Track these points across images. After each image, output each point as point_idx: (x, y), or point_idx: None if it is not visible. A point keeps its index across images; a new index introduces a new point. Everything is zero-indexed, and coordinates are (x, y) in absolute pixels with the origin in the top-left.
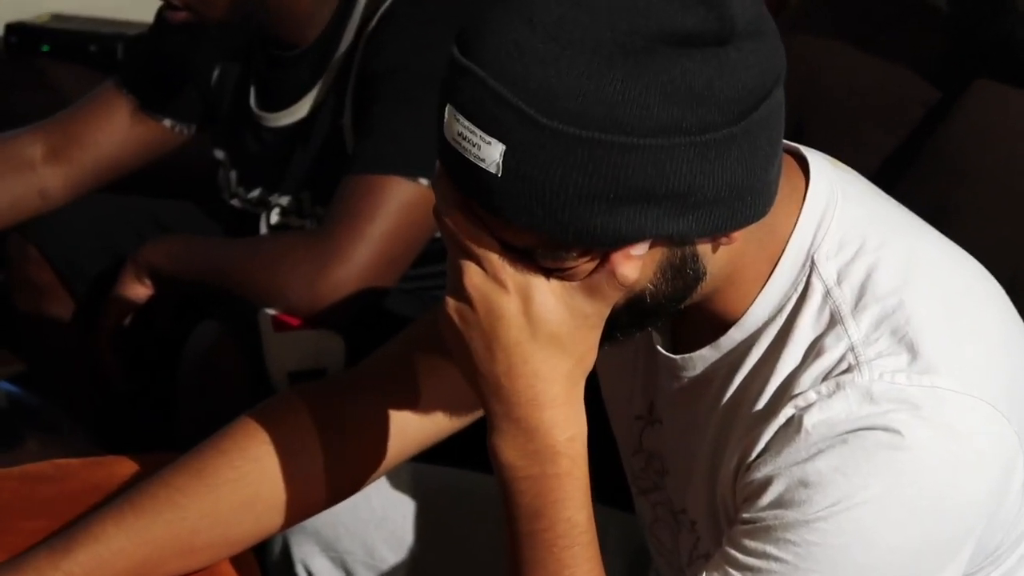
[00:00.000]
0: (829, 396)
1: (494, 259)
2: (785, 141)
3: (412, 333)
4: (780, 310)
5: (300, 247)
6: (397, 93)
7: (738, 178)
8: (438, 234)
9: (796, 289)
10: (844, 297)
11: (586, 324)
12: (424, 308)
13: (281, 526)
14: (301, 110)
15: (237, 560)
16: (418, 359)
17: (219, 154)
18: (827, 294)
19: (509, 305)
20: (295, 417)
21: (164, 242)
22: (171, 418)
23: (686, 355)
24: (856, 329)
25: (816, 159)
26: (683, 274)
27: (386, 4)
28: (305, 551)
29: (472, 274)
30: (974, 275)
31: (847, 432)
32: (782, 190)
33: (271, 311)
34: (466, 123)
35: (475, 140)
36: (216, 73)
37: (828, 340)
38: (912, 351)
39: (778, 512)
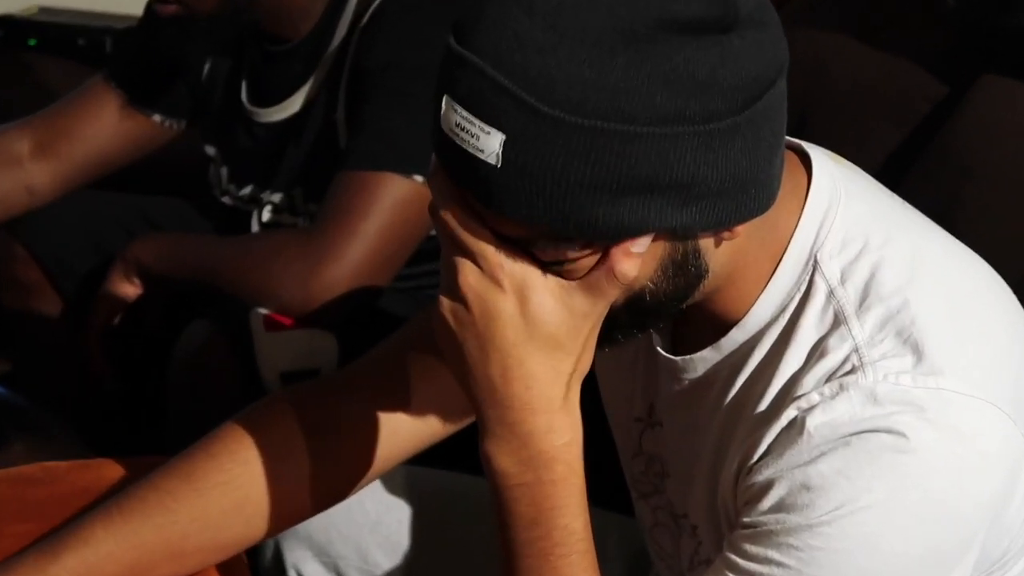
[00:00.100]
0: (832, 397)
1: (491, 256)
2: (786, 137)
3: (406, 333)
4: (783, 310)
5: (292, 245)
6: (390, 88)
7: (742, 169)
8: (433, 232)
9: (799, 289)
10: (848, 297)
11: (584, 324)
12: (418, 307)
13: (273, 530)
14: (293, 105)
15: (228, 565)
16: (412, 359)
17: (210, 150)
18: (831, 294)
19: (506, 305)
20: (287, 419)
21: (154, 240)
22: (161, 419)
23: (687, 356)
24: (860, 330)
25: (818, 155)
26: (685, 271)
27: None
28: (297, 556)
29: (467, 273)
30: (980, 274)
31: (850, 434)
32: (784, 186)
33: (263, 310)
34: (464, 113)
35: (473, 131)
36: (207, 67)
37: (832, 341)
38: (917, 352)
39: (780, 516)
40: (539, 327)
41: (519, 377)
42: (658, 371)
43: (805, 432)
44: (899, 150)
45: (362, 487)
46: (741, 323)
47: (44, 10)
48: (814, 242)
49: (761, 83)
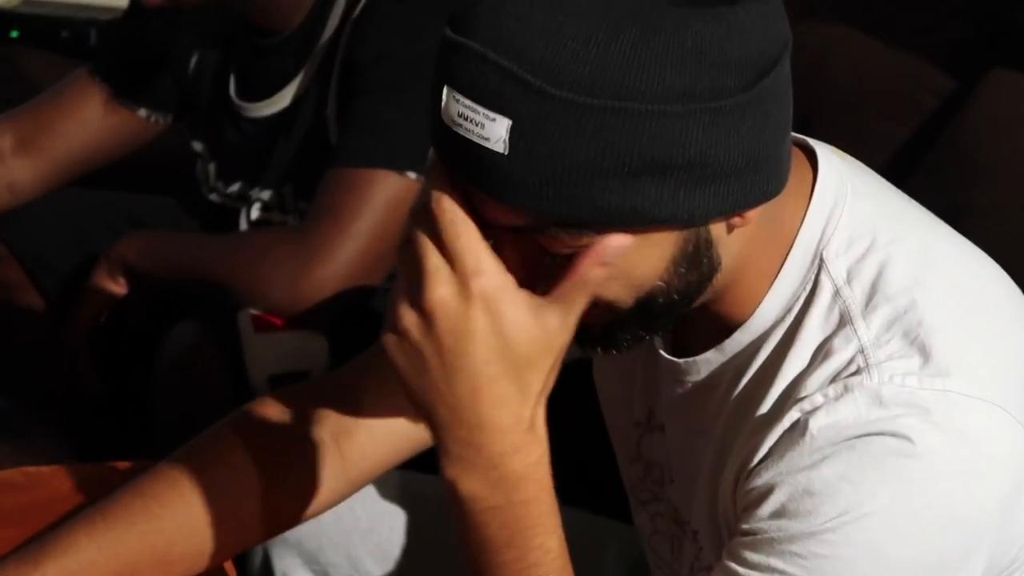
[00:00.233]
0: (836, 399)
1: (469, 263)
2: (792, 134)
3: None
4: (788, 310)
5: (282, 244)
6: (383, 82)
7: (753, 148)
8: None
9: (804, 288)
10: (854, 297)
11: (556, 341)
12: None
13: (261, 537)
14: (283, 100)
15: (216, 573)
16: None
17: (197, 146)
18: (836, 293)
19: (478, 320)
20: (277, 422)
21: (139, 238)
22: (146, 423)
23: (689, 359)
24: (866, 330)
25: (824, 151)
26: (698, 264)
27: None
28: (287, 563)
29: (437, 285)
30: (989, 273)
31: (854, 437)
32: (789, 182)
33: (251, 311)
34: (467, 102)
35: (478, 119)
36: (194, 60)
37: (837, 341)
38: (924, 353)
39: (781, 523)
40: (512, 345)
41: (489, 396)
42: (659, 374)
43: (807, 435)
44: (906, 147)
45: (354, 492)
46: (746, 324)
47: (27, 1)
48: (820, 239)
49: (767, 59)
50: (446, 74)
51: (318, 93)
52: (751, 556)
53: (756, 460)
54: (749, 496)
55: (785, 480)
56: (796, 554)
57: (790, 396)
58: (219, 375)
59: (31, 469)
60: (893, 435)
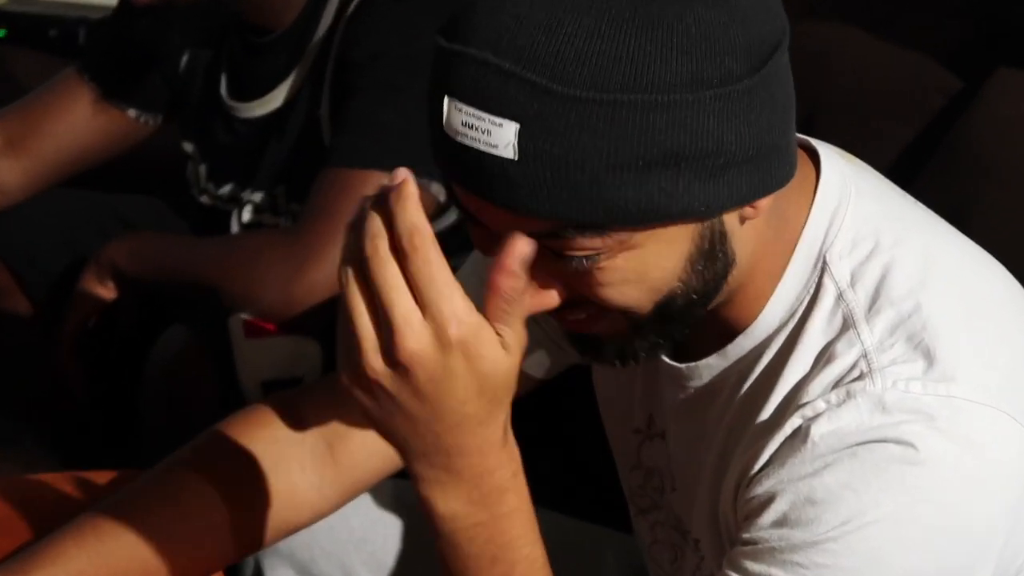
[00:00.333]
0: (839, 405)
1: (445, 312)
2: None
3: None
4: (792, 314)
5: (274, 247)
6: (378, 81)
7: (763, 134)
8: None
9: (808, 291)
10: (857, 300)
11: (518, 359)
12: None
13: (253, 547)
14: (276, 99)
15: None
16: None
17: (188, 147)
18: (840, 296)
19: (457, 367)
20: (269, 430)
21: (129, 241)
22: (136, 430)
23: (692, 363)
24: (869, 334)
25: (827, 151)
26: (714, 259)
27: None
28: (279, 574)
29: (411, 336)
30: (995, 276)
31: (857, 444)
32: (793, 183)
33: (243, 315)
34: (471, 110)
35: (484, 126)
36: (184, 60)
37: (840, 346)
38: (928, 358)
39: (783, 532)
40: (489, 380)
41: (468, 427)
42: (659, 379)
43: (809, 441)
44: (911, 148)
45: (348, 501)
46: (749, 328)
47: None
48: (823, 241)
49: (769, 44)
50: (445, 84)
51: (311, 93)
52: (752, 566)
53: (757, 467)
54: (750, 504)
55: (787, 488)
56: (798, 564)
57: (792, 402)
58: (210, 381)
59: (18, 478)
60: (896, 442)
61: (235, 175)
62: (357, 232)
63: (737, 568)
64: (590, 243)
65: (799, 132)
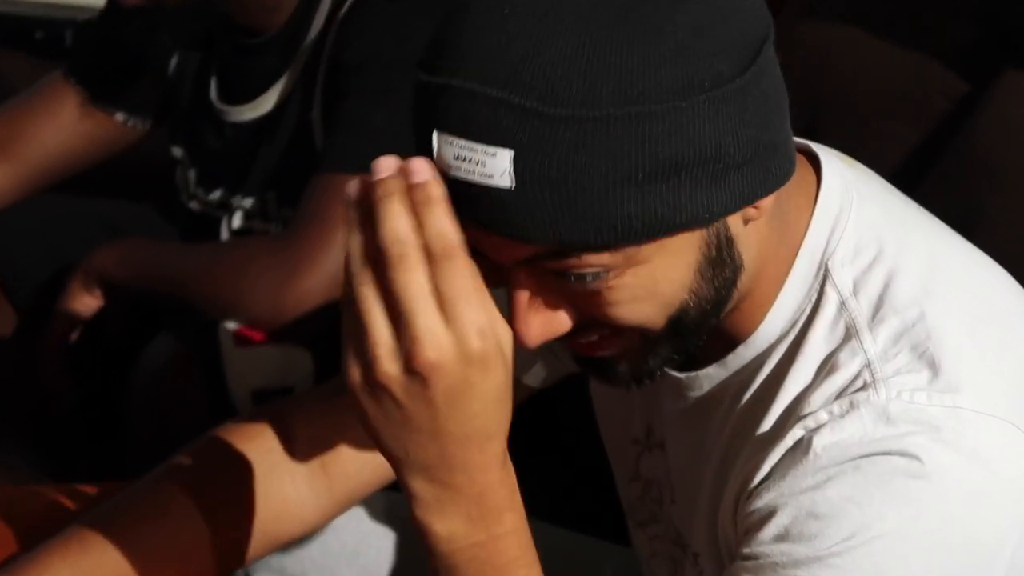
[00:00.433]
0: (842, 416)
1: (472, 325)
2: (795, 139)
3: None
4: (793, 323)
5: (264, 253)
6: (371, 84)
7: (760, 132)
8: None
9: (809, 300)
10: (860, 309)
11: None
12: None
13: (242, 562)
14: (267, 103)
15: None
16: None
17: (177, 151)
18: (842, 305)
19: (476, 382)
20: (258, 441)
21: (116, 247)
22: (123, 441)
23: (691, 373)
24: (873, 344)
25: (828, 156)
26: (722, 266)
27: None
28: None
29: (432, 346)
30: (1000, 283)
31: (860, 456)
32: (793, 187)
33: (233, 324)
34: (462, 143)
35: (477, 157)
36: (174, 62)
37: (842, 355)
38: (933, 368)
39: (785, 547)
40: (503, 394)
41: (475, 442)
42: (659, 389)
43: (811, 453)
44: (916, 152)
45: (340, 514)
46: (751, 338)
47: None
48: (825, 249)
49: (755, 39)
50: (432, 119)
51: (303, 96)
52: None
53: (757, 480)
54: (750, 518)
55: (788, 502)
56: None
57: (793, 413)
58: (199, 391)
59: (2, 489)
60: (901, 454)
61: (225, 180)
62: (378, 231)
63: None
64: (596, 260)
65: (801, 136)
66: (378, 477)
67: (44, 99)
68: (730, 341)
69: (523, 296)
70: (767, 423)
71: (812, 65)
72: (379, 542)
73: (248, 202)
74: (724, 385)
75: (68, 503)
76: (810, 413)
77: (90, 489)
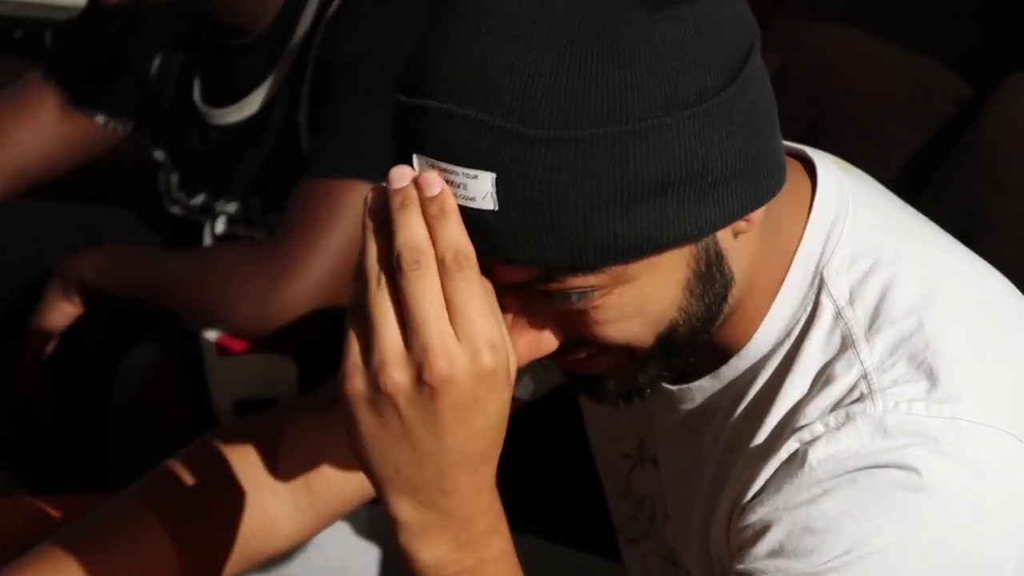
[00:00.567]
0: (838, 428)
1: (483, 338)
2: (788, 143)
3: None
4: (787, 334)
5: (248, 260)
6: (359, 86)
7: (748, 144)
8: None
9: (804, 310)
10: (857, 318)
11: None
12: None
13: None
14: (251, 105)
15: None
16: None
17: (159, 155)
18: (838, 315)
19: (483, 398)
20: (240, 454)
21: (96, 254)
22: (103, 451)
23: (683, 386)
24: (869, 354)
25: (823, 162)
26: (712, 281)
27: None
28: None
29: (446, 356)
30: (999, 291)
31: (857, 469)
32: (786, 195)
33: (215, 332)
34: (443, 166)
35: (458, 180)
36: (156, 63)
37: (838, 366)
38: (931, 378)
39: (780, 563)
40: (504, 413)
41: (471, 463)
42: (651, 403)
43: (807, 466)
44: (918, 156)
45: (323, 529)
46: (744, 349)
47: None
48: (820, 257)
49: (741, 48)
50: (412, 141)
51: (289, 98)
52: None
53: (751, 494)
54: (744, 534)
55: (783, 516)
56: None
57: (788, 425)
58: (180, 401)
59: None
60: (898, 467)
61: (208, 184)
62: (395, 239)
63: None
64: (583, 281)
65: (801, 139)
66: (362, 491)
67: (22, 101)
68: (723, 353)
69: (508, 316)
70: (761, 436)
71: (811, 66)
72: (364, 557)
73: (232, 207)
74: (717, 397)
75: (48, 515)
76: (805, 425)
77: (71, 501)
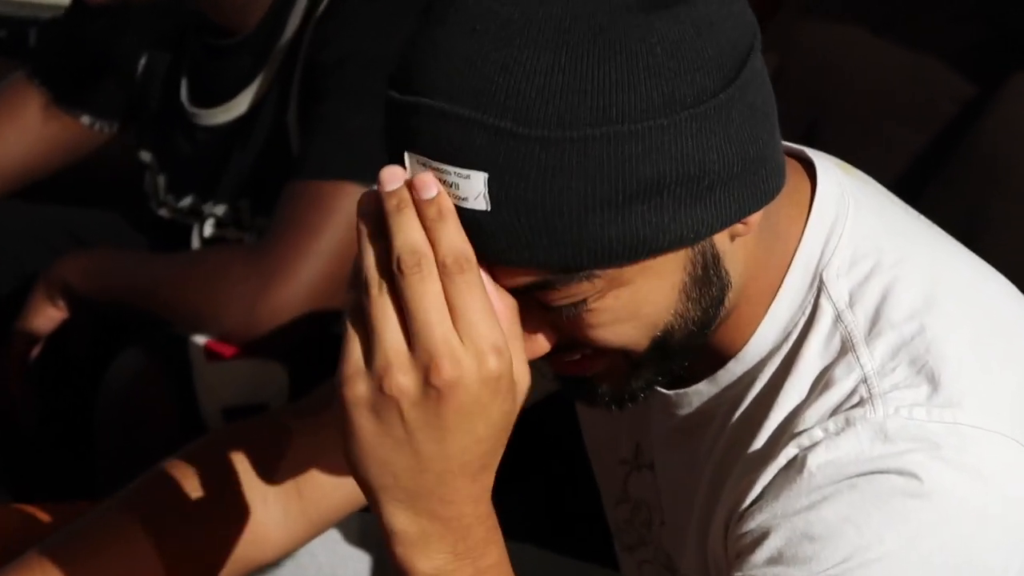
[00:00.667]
0: (837, 434)
1: (489, 342)
2: (788, 144)
3: None
4: (786, 337)
5: (237, 263)
6: (349, 85)
7: (746, 146)
8: None
9: (803, 313)
10: (857, 322)
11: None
12: None
13: None
14: (240, 106)
15: None
16: None
17: (145, 156)
18: (838, 318)
19: (487, 403)
20: (230, 461)
21: (81, 257)
22: (88, 458)
23: (680, 390)
24: (870, 358)
25: (823, 163)
26: (708, 285)
27: None
28: None
29: (452, 360)
30: (1002, 294)
31: (857, 475)
32: (785, 197)
33: (204, 337)
34: (435, 164)
35: (450, 179)
36: (142, 63)
37: (838, 371)
38: (933, 382)
39: (779, 570)
40: (509, 421)
41: (471, 471)
42: (647, 407)
43: (806, 472)
44: (920, 156)
45: (315, 537)
46: (741, 353)
47: None
48: (819, 259)
49: (740, 49)
50: (404, 140)
51: (278, 98)
52: None
53: (749, 501)
54: (742, 541)
55: (782, 523)
56: None
57: (787, 430)
58: (168, 407)
59: None
60: (899, 473)
61: (196, 186)
62: (393, 242)
63: None
64: (577, 288)
65: (801, 139)
66: (354, 498)
67: (6, 101)
68: (719, 356)
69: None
70: (759, 441)
71: (811, 66)
72: (356, 564)
73: (220, 209)
74: (714, 402)
75: (33, 523)
76: (804, 430)
77: (56, 509)
